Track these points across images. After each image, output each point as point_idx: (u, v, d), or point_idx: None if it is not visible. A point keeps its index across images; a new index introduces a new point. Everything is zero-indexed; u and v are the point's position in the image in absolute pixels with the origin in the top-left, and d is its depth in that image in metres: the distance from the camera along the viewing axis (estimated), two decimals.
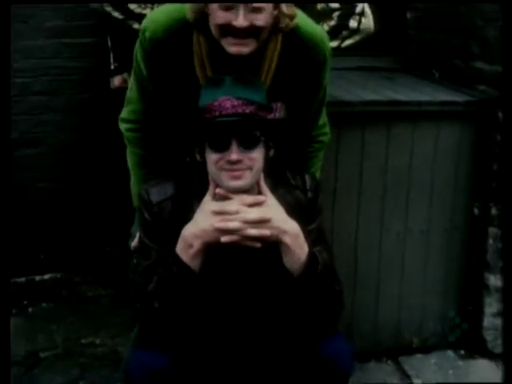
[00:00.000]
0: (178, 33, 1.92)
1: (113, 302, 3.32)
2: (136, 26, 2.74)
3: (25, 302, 3.30)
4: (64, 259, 3.49)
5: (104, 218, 3.51)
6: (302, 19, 1.96)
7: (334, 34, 2.49)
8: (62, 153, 3.47)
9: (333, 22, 2.52)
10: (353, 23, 2.52)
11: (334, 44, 2.48)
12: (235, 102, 1.76)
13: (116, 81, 3.21)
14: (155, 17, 1.97)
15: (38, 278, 3.44)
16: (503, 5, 2.70)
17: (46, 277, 3.45)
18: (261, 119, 1.79)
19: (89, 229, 3.53)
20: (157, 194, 1.86)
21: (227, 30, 1.79)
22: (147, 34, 1.93)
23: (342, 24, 2.52)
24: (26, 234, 3.41)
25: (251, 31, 1.78)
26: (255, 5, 1.75)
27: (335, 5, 2.52)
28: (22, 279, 3.40)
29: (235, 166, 1.76)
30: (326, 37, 2.02)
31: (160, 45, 1.93)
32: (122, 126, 2.10)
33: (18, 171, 3.34)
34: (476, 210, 3.00)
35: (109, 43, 3.19)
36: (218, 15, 1.78)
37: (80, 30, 3.39)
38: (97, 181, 3.49)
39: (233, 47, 1.81)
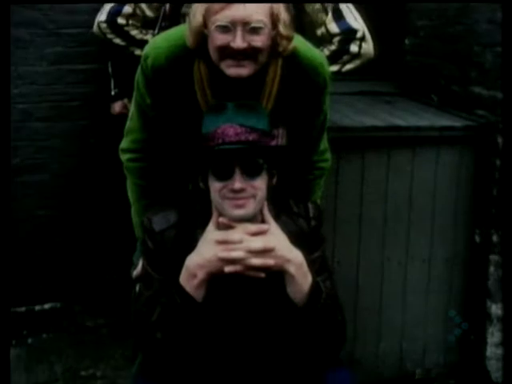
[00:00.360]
0: (179, 59, 1.92)
1: (113, 331, 3.28)
2: (138, 52, 2.75)
3: (24, 333, 3.26)
4: (64, 288, 3.47)
5: (104, 247, 3.49)
6: (301, 44, 1.96)
7: (334, 58, 2.50)
8: (63, 179, 3.46)
9: (333, 47, 2.53)
10: (353, 48, 2.52)
11: (335, 68, 2.48)
12: (238, 130, 1.75)
13: (117, 107, 3.21)
14: (157, 43, 1.97)
15: (37, 307, 3.41)
16: (503, 5, 2.72)
17: (46, 306, 3.42)
18: (264, 146, 1.79)
19: (89, 257, 3.50)
20: (159, 222, 1.84)
21: (226, 52, 1.79)
22: (149, 61, 1.93)
23: (343, 49, 2.52)
24: (26, 263, 3.38)
25: (249, 53, 1.79)
26: (253, 25, 1.75)
27: (336, 30, 2.52)
28: (22, 309, 3.37)
29: (239, 195, 1.74)
30: (325, 61, 2.02)
31: (162, 71, 1.92)
32: (123, 157, 2.08)
33: (19, 198, 3.33)
34: (477, 238, 2.99)
35: (109, 69, 3.20)
36: (217, 37, 1.78)
37: (81, 57, 3.41)
38: (97, 208, 3.48)
39: (231, 69, 1.81)
